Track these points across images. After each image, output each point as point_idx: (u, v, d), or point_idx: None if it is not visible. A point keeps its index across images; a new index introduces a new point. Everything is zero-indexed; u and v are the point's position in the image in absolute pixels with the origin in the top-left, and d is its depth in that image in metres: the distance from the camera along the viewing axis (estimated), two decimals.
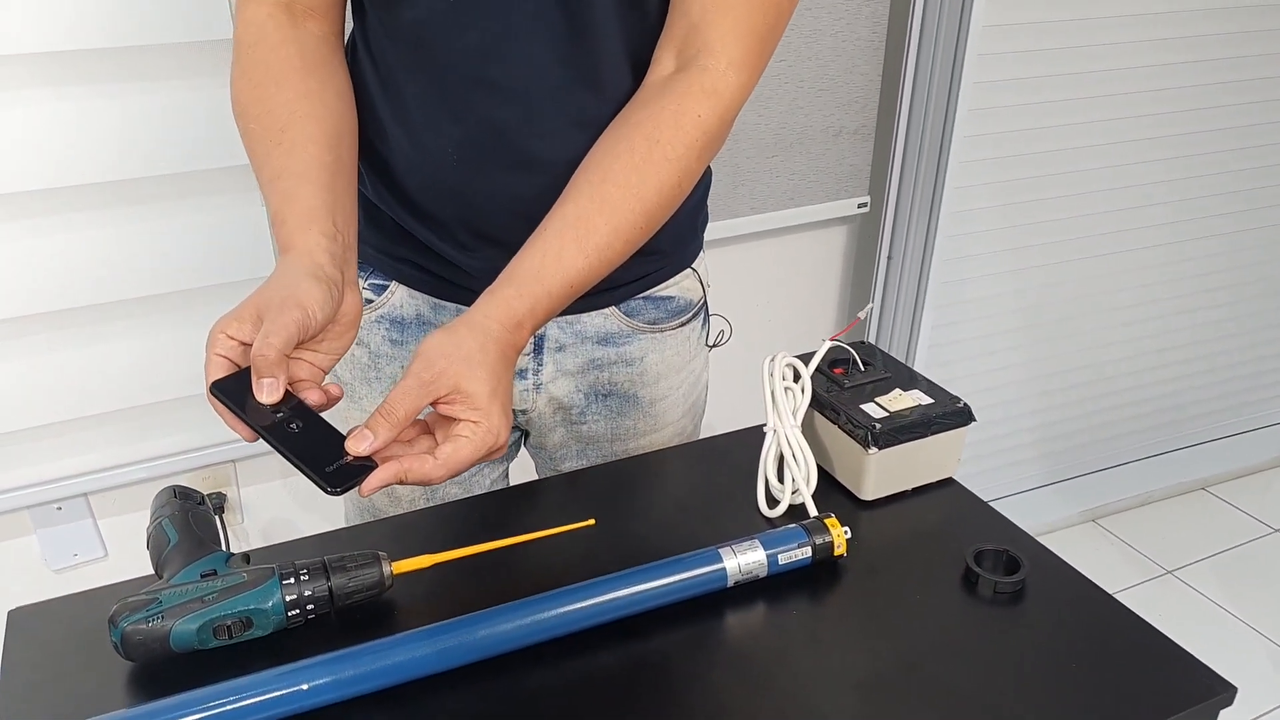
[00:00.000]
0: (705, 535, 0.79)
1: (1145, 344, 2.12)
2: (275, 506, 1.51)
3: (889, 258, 1.61)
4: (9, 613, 0.71)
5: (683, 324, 0.94)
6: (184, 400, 1.34)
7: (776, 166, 1.51)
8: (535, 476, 1.04)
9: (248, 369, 0.66)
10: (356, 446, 0.64)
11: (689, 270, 0.93)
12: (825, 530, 0.74)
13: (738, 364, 1.42)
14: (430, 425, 0.69)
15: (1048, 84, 1.70)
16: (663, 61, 0.75)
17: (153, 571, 0.73)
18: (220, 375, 0.65)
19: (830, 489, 0.84)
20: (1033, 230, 1.83)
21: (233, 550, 0.72)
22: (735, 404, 1.38)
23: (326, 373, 0.71)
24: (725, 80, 0.73)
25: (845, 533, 0.74)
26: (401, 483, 0.64)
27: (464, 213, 0.81)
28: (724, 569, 0.71)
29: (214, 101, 1.19)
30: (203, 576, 0.68)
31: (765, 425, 0.83)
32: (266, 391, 0.64)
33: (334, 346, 0.70)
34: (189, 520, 0.74)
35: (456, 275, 0.86)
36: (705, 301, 0.96)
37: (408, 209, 0.84)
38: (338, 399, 0.69)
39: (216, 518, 1.45)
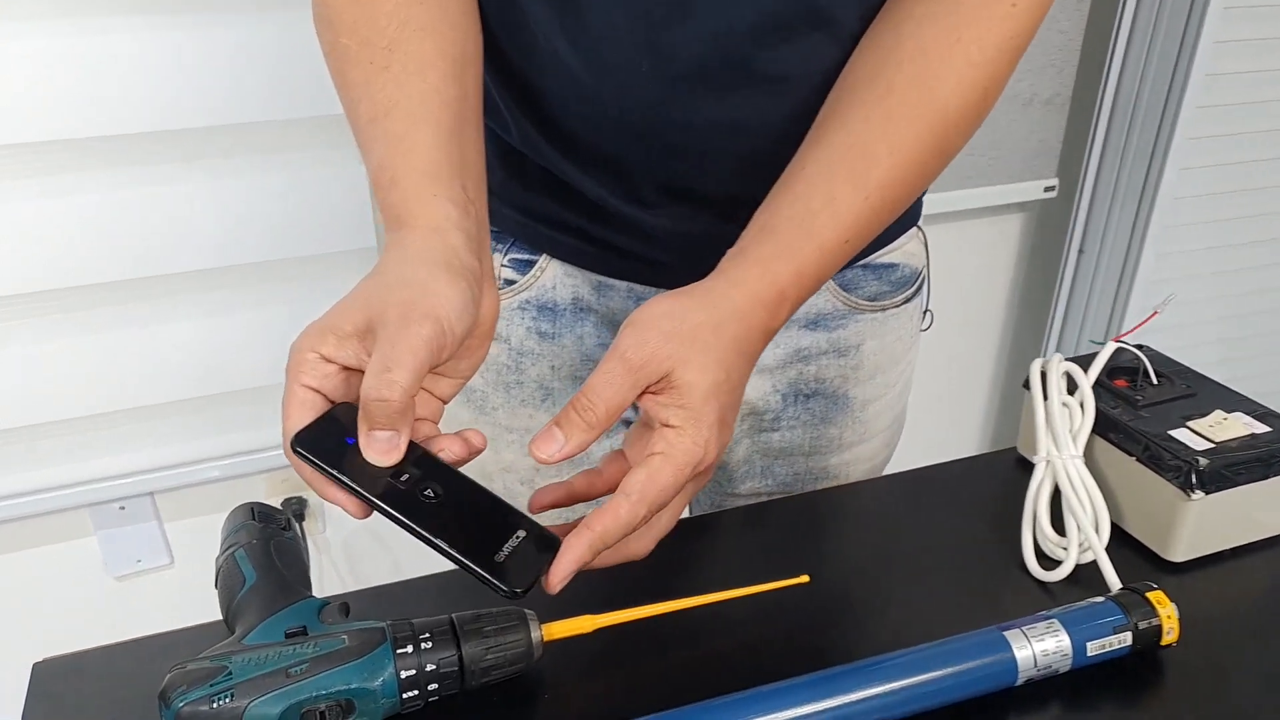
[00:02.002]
0: (957, 604, 0.58)
1: None
2: None
3: (1080, 251, 1.36)
4: (33, 666, 0.53)
5: (906, 300, 0.73)
6: (263, 390, 1.18)
7: None
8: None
9: (344, 407, 0.46)
10: (543, 449, 0.45)
11: (914, 229, 0.72)
12: (1149, 608, 0.52)
13: None
14: (628, 459, 0.50)
15: None
16: None
17: (220, 618, 0.56)
18: (307, 421, 0.45)
19: (1114, 544, 0.62)
20: (1261, 224, 1.56)
21: (315, 593, 0.54)
22: None
23: (447, 403, 0.51)
24: None
25: (1173, 612, 0.52)
26: (596, 558, 0.45)
27: (654, 155, 0.61)
28: (1012, 659, 0.50)
29: (305, 36, 1.01)
30: (288, 636, 0.49)
31: (1035, 453, 0.62)
32: (380, 450, 0.44)
33: (462, 367, 0.51)
34: (270, 552, 0.55)
35: (633, 240, 0.66)
36: (927, 271, 0.75)
37: (569, 153, 0.63)
38: (480, 450, 0.49)
39: (300, 532, 1.30)
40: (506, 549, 0.45)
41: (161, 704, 0.46)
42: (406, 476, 0.45)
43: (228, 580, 0.54)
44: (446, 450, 0.48)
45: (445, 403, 0.51)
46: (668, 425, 0.46)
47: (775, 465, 0.74)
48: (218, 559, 0.57)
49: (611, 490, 0.47)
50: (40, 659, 0.53)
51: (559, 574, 0.44)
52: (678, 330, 0.47)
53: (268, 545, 0.56)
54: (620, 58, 0.57)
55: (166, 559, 1.28)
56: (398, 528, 0.45)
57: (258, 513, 0.58)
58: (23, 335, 1.07)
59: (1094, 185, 1.34)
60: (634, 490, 0.45)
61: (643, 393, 0.47)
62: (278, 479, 1.27)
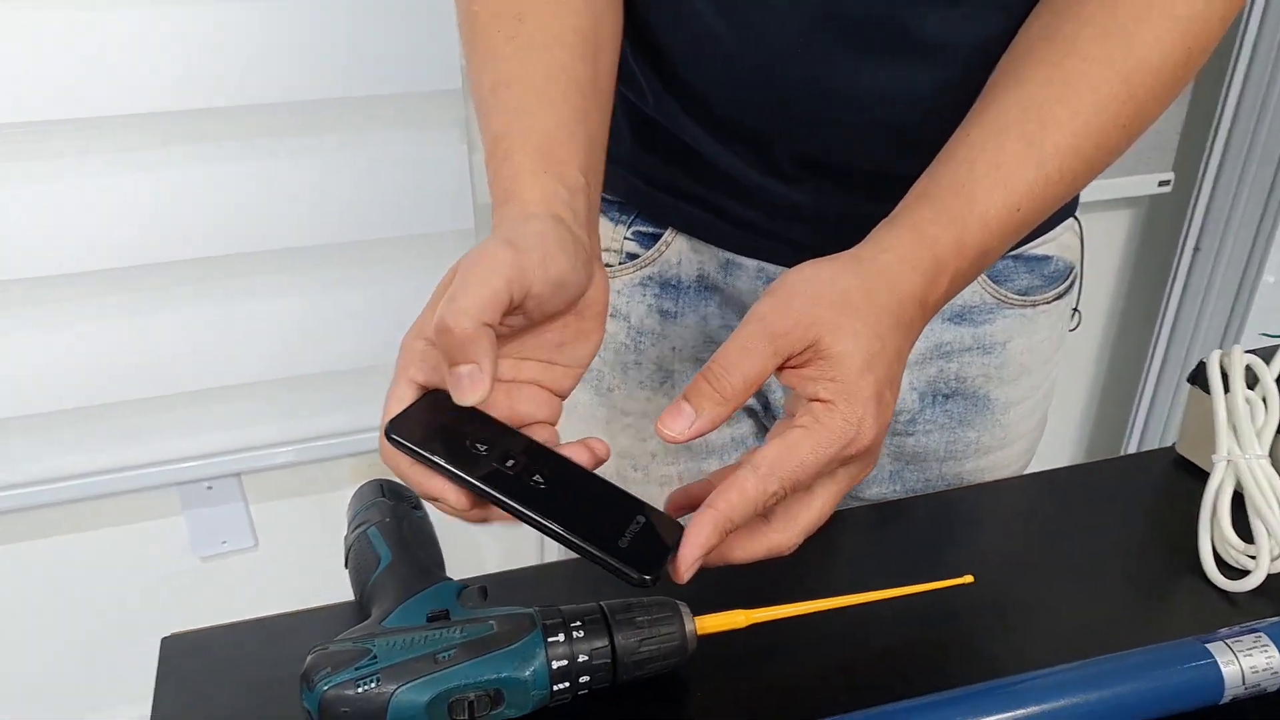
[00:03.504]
0: (1131, 611, 0.54)
1: None
2: None
3: (1197, 249, 1.30)
4: (162, 641, 0.52)
5: (1059, 296, 0.68)
6: (352, 373, 1.17)
7: None
8: None
9: (441, 393, 0.43)
10: (671, 426, 0.41)
11: (1071, 220, 0.68)
12: None
13: None
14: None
15: None
16: None
17: (339, 600, 0.53)
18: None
19: None
20: None
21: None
22: None
23: (565, 398, 0.48)
24: None
25: None
26: (735, 550, 0.43)
27: (796, 125, 0.57)
28: (1219, 675, 0.45)
29: (396, 10, 0.99)
30: (430, 619, 0.46)
31: (1213, 453, 0.57)
32: (465, 388, 0.40)
33: (576, 355, 0.48)
34: (403, 531, 0.53)
35: (766, 216, 0.62)
36: (1081, 267, 0.71)
37: (705, 121, 0.60)
38: (605, 458, 0.46)
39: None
40: (629, 535, 0.42)
41: (304, 686, 0.43)
42: (513, 463, 0.42)
43: (360, 559, 0.52)
44: (570, 458, 0.45)
45: (563, 398, 0.48)
46: (816, 400, 0.41)
47: (906, 470, 0.70)
48: (346, 537, 0.54)
49: None
50: (169, 634, 0.52)
51: (686, 561, 0.40)
52: (825, 294, 0.42)
53: (400, 524, 0.53)
54: (766, 17, 0.54)
55: (251, 541, 1.27)
56: (508, 519, 0.42)
57: (388, 489, 0.56)
58: (118, 310, 1.06)
59: (1215, 178, 1.27)
60: (763, 463, 0.40)
61: (783, 366, 0.42)
62: (364, 464, 1.25)
